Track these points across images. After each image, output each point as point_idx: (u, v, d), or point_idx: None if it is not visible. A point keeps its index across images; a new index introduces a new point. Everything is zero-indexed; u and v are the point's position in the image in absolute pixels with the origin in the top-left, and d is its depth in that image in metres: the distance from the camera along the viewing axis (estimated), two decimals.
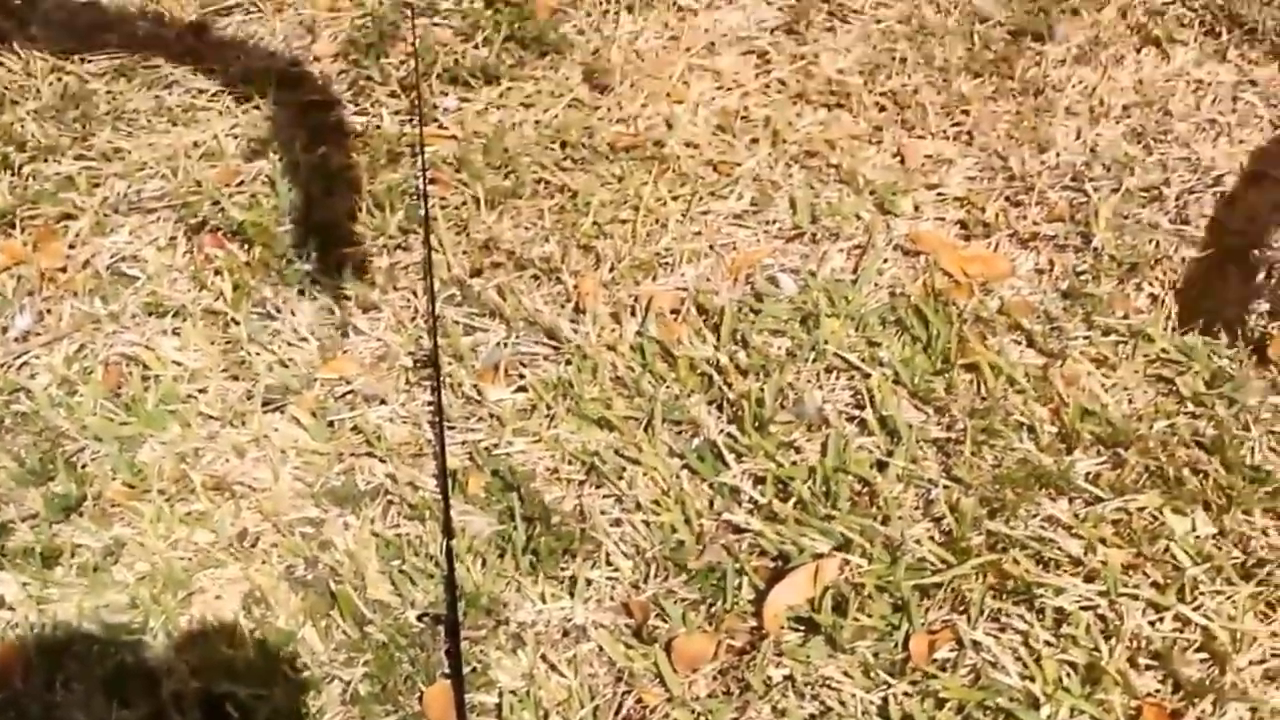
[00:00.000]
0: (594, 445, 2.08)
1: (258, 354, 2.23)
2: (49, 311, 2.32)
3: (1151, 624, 1.82)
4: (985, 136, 2.47)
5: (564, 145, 2.54)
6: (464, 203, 2.44)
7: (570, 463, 2.07)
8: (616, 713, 1.82)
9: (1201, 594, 1.84)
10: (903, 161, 2.47)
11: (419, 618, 1.90)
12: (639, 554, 1.96)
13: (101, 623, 1.93)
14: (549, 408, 2.14)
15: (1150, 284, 2.21)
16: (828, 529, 1.94)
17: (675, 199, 2.43)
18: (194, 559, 1.99)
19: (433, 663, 1.85)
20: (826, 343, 2.17)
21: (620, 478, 2.04)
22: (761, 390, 2.11)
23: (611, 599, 1.92)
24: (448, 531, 1.92)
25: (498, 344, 2.24)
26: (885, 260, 2.30)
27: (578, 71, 2.70)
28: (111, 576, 1.98)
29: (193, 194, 2.48)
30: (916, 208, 2.39)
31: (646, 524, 1.99)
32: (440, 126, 2.60)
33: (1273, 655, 1.78)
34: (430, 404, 2.15)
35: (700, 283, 2.30)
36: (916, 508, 1.98)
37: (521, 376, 2.19)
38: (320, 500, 2.05)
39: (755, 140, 2.53)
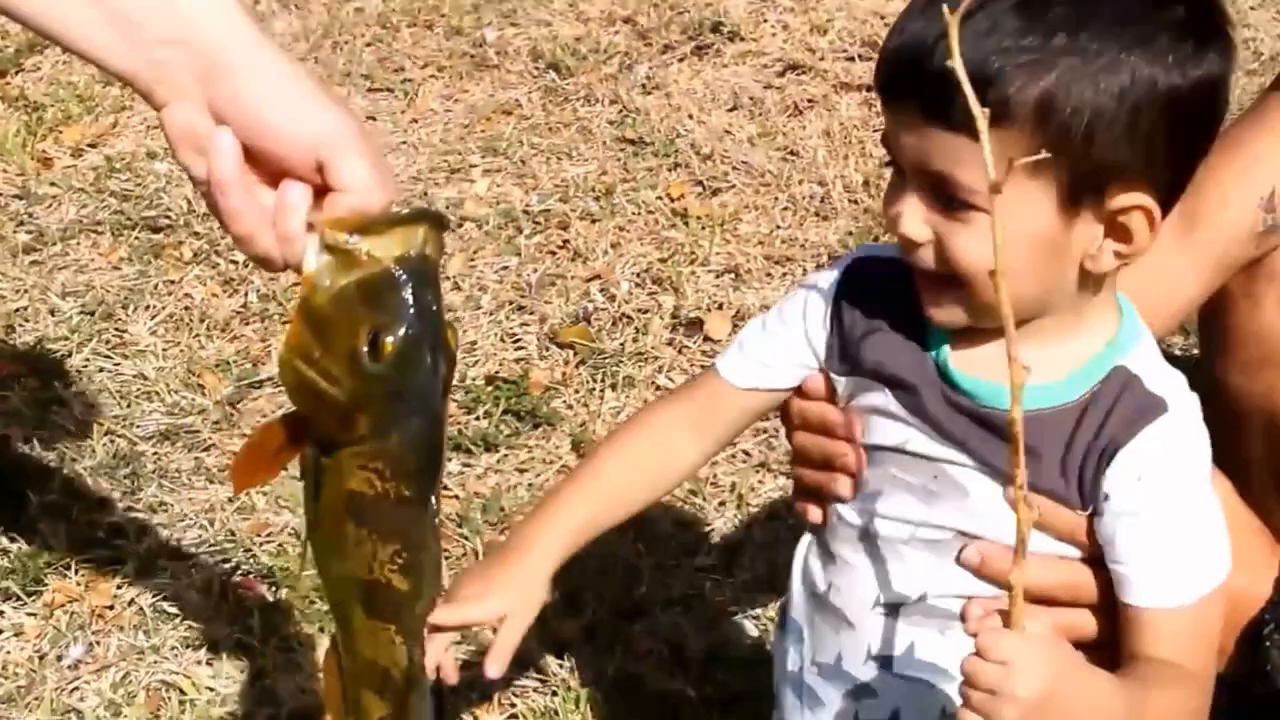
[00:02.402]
0: None
1: (283, 683, 2.53)
2: (98, 643, 2.62)
3: None
4: None
5: None
6: (464, 555, 2.77)
7: None
8: None
9: None
10: None
11: None
12: None
13: None
14: None
15: None
16: None
17: (650, 554, 2.76)
18: None
19: None
20: None
21: None
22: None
23: None
24: None
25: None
26: None
27: (567, 442, 3.05)
28: None
29: (228, 543, 2.80)
30: None
31: None
32: (445, 488, 2.94)
33: None
34: None
35: (672, 629, 2.61)
36: None
37: (513, 705, 2.49)
38: None
39: (722, 503, 2.88)
